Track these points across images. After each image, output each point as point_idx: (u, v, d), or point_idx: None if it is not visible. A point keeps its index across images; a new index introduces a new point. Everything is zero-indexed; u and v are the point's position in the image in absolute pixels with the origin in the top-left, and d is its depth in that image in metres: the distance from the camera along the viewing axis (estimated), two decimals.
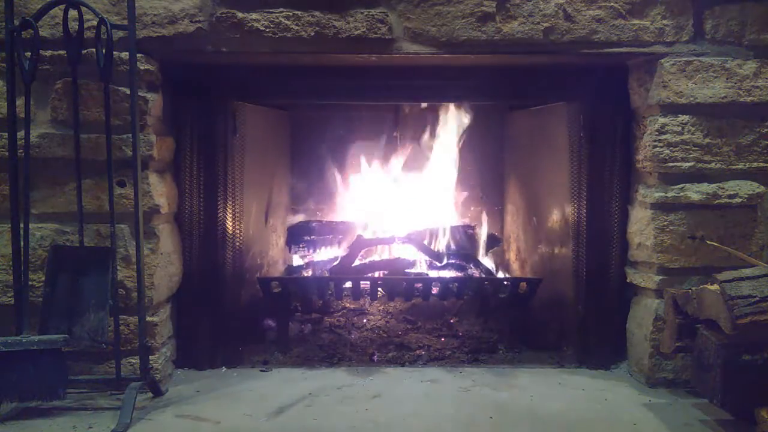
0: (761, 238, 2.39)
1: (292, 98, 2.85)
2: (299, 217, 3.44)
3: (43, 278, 2.22)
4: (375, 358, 2.71)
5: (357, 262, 3.08)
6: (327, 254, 3.18)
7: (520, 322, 2.82)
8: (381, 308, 3.05)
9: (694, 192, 2.37)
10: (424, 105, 3.29)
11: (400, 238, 3.07)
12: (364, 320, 2.96)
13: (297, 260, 3.24)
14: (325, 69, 2.62)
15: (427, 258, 3.09)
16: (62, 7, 2.15)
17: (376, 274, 3.03)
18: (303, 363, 2.66)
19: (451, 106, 3.26)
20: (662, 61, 2.35)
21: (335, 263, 3.06)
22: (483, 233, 3.30)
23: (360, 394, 2.35)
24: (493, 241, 3.31)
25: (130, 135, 2.19)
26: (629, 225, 2.55)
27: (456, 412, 2.20)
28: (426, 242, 3.14)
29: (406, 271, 3.06)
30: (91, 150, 2.27)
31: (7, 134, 2.18)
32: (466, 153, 3.36)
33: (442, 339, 2.85)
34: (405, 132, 3.42)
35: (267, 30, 2.30)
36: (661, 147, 2.36)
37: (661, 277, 2.40)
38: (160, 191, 2.39)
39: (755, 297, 1.85)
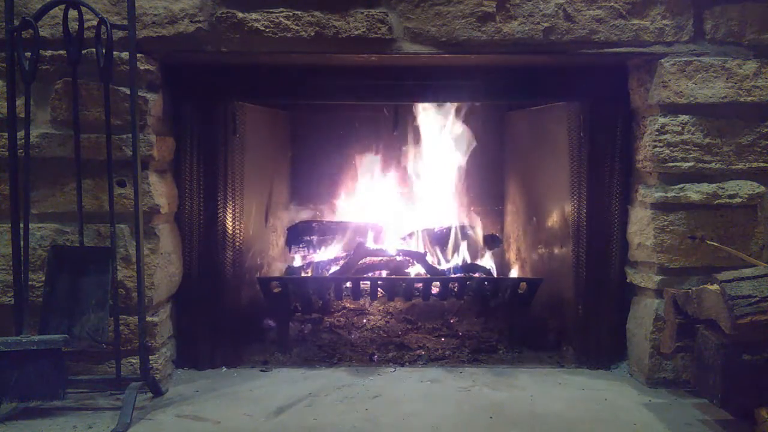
0: (761, 238, 2.39)
1: (292, 98, 2.85)
2: (299, 217, 3.44)
3: (43, 278, 2.22)
4: (375, 358, 2.70)
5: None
6: (327, 254, 3.18)
7: (520, 322, 2.81)
8: (381, 308, 3.05)
9: (694, 192, 2.37)
10: (424, 105, 3.29)
11: (401, 251, 3.05)
12: (364, 320, 2.96)
13: (297, 260, 3.24)
14: (325, 69, 2.61)
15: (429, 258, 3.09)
16: (62, 7, 2.15)
17: (376, 274, 3.03)
18: (303, 363, 2.66)
19: (451, 106, 3.26)
20: (662, 61, 2.35)
21: (336, 269, 3.05)
22: (483, 233, 3.30)
23: (360, 394, 2.35)
24: (494, 241, 3.31)
25: (130, 135, 2.20)
26: (629, 225, 2.55)
27: (456, 412, 2.20)
28: (428, 240, 3.13)
29: (406, 270, 3.06)
30: (91, 150, 2.28)
31: (7, 134, 2.18)
32: (466, 153, 3.36)
33: (442, 339, 2.85)
34: (404, 132, 3.42)
35: (267, 30, 2.30)
36: (661, 147, 2.36)
37: (661, 277, 2.40)
38: (160, 191, 2.39)
39: (755, 297, 1.85)
